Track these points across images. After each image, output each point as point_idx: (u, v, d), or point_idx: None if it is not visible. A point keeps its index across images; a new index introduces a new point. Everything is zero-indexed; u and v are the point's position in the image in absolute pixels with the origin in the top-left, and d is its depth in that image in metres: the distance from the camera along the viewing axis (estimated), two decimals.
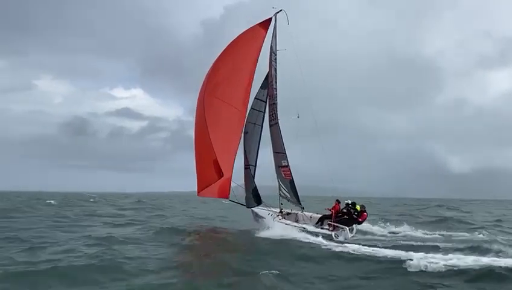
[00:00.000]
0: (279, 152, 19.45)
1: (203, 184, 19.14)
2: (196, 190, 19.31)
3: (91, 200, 58.97)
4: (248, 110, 19.88)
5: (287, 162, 19.22)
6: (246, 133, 19.94)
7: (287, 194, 19.46)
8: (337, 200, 18.62)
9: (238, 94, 19.11)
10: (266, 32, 19.96)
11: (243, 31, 19.83)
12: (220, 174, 18.26)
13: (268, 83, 19.92)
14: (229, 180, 18.55)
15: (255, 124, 20.55)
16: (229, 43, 19.53)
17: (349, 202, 18.17)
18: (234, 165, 18.71)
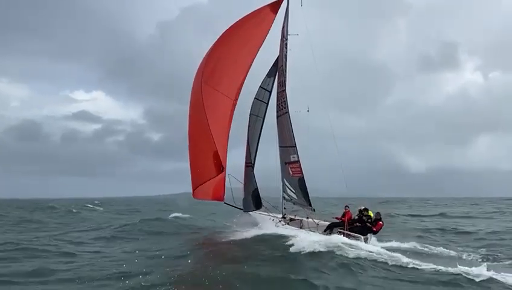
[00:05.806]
0: (288, 146, 17.28)
1: (198, 181, 17.06)
2: (191, 190, 17.16)
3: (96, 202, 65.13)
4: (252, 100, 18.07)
5: (297, 157, 16.86)
6: (249, 126, 17.93)
7: (293, 195, 17.41)
8: (346, 206, 16.98)
9: (234, 84, 17.09)
10: (276, 14, 17.91)
11: (248, 13, 17.69)
12: (220, 168, 16.30)
13: (278, 68, 17.96)
14: (223, 180, 16.69)
15: (257, 116, 18.58)
16: (232, 25, 17.31)
17: (362, 208, 16.54)
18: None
